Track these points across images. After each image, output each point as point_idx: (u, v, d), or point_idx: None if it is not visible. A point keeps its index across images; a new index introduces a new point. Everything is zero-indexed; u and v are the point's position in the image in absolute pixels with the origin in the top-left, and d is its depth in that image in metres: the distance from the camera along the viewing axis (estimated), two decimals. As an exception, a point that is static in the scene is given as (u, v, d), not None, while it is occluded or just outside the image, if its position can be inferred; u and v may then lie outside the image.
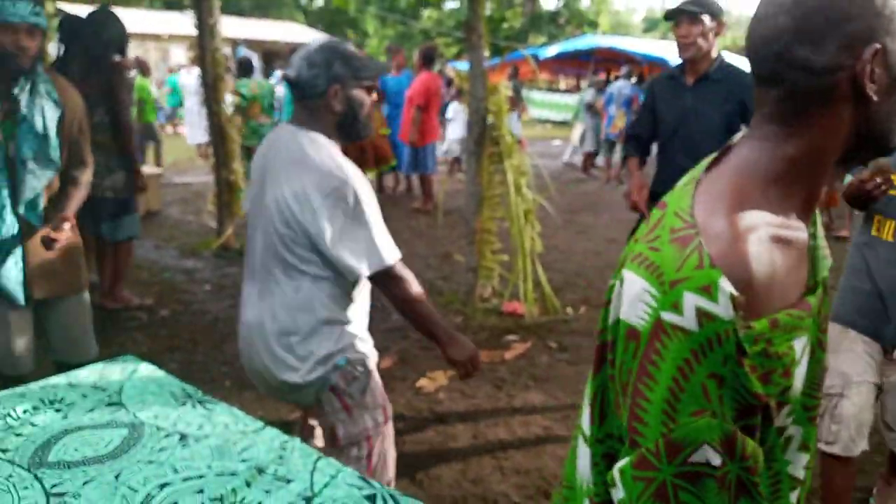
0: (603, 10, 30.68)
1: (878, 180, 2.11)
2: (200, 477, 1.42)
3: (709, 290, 0.71)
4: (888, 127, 0.81)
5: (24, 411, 1.68)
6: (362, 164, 7.90)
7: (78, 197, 2.63)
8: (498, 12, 25.12)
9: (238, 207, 5.89)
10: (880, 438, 2.43)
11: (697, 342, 0.71)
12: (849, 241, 2.54)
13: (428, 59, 7.80)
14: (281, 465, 1.47)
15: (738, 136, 0.88)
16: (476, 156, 4.52)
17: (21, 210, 2.44)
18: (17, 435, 1.57)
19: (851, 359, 2.21)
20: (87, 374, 1.90)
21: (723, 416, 0.72)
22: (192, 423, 1.64)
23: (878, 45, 0.76)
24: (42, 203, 2.50)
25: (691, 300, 0.72)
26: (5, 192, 2.40)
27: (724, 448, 0.72)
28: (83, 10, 4.27)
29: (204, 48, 5.63)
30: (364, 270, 1.84)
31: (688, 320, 0.72)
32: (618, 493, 0.78)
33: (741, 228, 0.75)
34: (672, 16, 2.92)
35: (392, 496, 1.37)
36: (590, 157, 11.27)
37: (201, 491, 1.37)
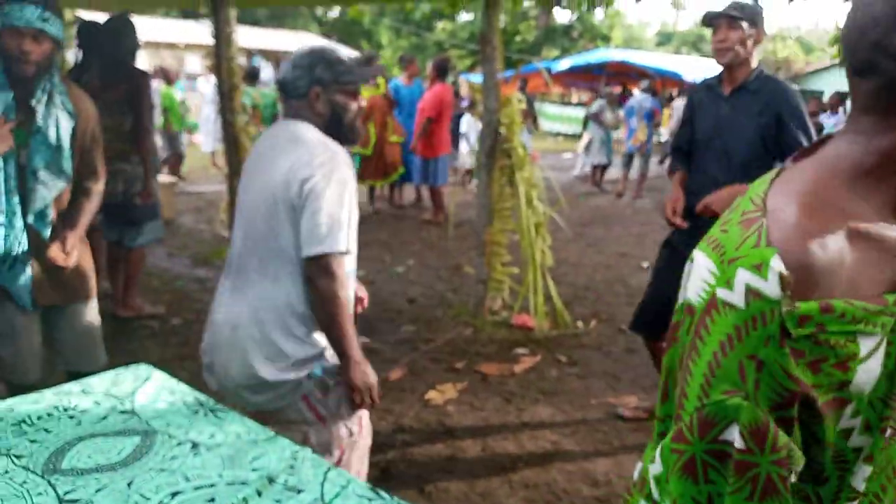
0: (616, 24, 30.77)
1: None
2: (211, 486, 1.43)
3: (760, 268, 0.71)
4: None
5: (39, 418, 1.70)
6: (369, 173, 7.94)
7: (90, 209, 2.63)
8: (512, 25, 25.23)
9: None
10: None
11: (742, 319, 0.71)
12: None
13: (441, 71, 7.83)
14: (292, 475, 1.48)
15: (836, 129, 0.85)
16: (487, 168, 4.53)
17: (30, 219, 2.45)
18: (32, 441, 1.59)
19: None
20: (99, 382, 1.91)
21: (756, 401, 0.71)
22: (203, 432, 1.65)
23: None
24: (51, 213, 2.50)
25: (743, 277, 0.71)
26: (15, 199, 2.40)
27: (751, 435, 0.71)
28: (101, 18, 4.33)
29: (220, 57, 5.68)
30: (302, 250, 1.84)
31: (737, 296, 0.72)
32: (655, 468, 0.78)
33: (809, 214, 0.73)
34: (710, 20, 2.83)
35: (401, 509, 1.38)
36: (597, 170, 11.25)
37: (212, 500, 1.38)
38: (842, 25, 0.81)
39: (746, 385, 0.71)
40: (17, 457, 1.52)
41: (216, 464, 1.52)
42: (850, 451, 0.79)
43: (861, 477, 0.83)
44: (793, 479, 0.73)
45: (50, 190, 2.46)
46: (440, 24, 28.94)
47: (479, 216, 4.68)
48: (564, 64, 18.91)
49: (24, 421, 1.68)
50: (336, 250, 1.83)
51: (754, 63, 2.85)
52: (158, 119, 8.76)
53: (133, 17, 4.38)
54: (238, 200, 2.07)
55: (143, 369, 2.00)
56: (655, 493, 0.81)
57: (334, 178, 1.85)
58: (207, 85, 10.57)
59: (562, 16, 30.52)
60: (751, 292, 0.71)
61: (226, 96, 5.73)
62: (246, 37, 8.99)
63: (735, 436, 0.71)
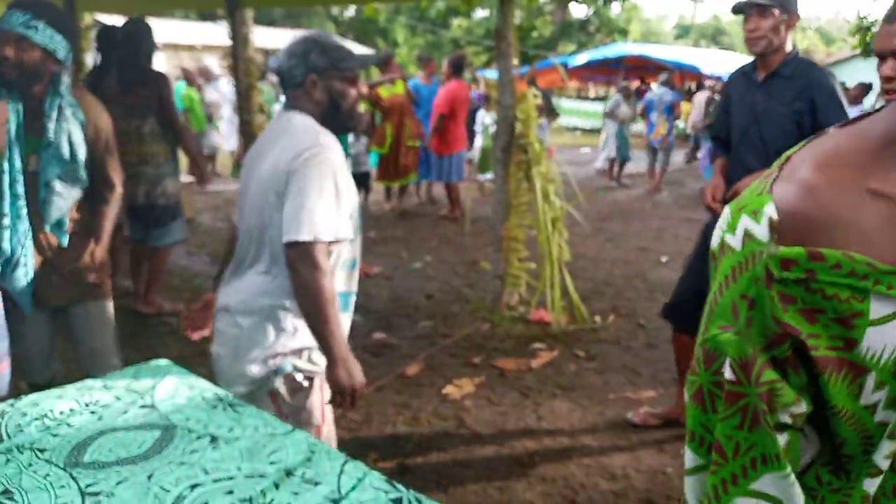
0: (633, 18, 30.54)
1: None
2: (230, 478, 1.45)
3: (756, 213, 0.73)
4: None
5: (61, 412, 1.72)
6: (383, 173, 7.93)
7: (111, 215, 2.66)
8: (528, 21, 25.15)
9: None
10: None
11: (737, 260, 0.74)
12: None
13: (457, 68, 7.83)
14: (309, 468, 1.49)
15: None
16: (503, 163, 4.53)
17: (48, 228, 2.48)
18: (54, 435, 1.61)
19: None
20: (120, 377, 1.94)
21: (747, 336, 0.73)
22: (222, 426, 1.67)
23: None
24: (68, 222, 2.54)
25: (743, 222, 0.74)
26: (20, 202, 2.40)
27: (740, 368, 0.73)
28: (119, 21, 4.38)
29: (237, 58, 5.74)
30: (283, 235, 1.77)
31: (736, 239, 0.74)
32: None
33: (821, 170, 0.74)
34: (741, 9, 2.76)
35: (419, 500, 1.38)
36: (613, 164, 11.20)
37: (231, 492, 1.40)
38: (863, 14, 0.80)
39: (738, 322, 0.73)
40: (41, 451, 1.55)
41: (235, 457, 1.53)
42: (875, 427, 0.77)
43: (882, 452, 0.81)
44: (787, 420, 0.73)
45: (66, 200, 2.48)
46: (456, 21, 28.92)
47: (495, 212, 4.67)
48: (581, 58, 18.82)
49: (46, 416, 1.71)
50: (317, 237, 1.74)
51: (788, 47, 2.77)
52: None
53: (151, 19, 4.43)
54: (239, 194, 2.08)
55: (162, 365, 2.03)
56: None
57: (317, 163, 1.79)
58: (228, 85, 10.65)
59: (578, 10, 30.32)
60: (746, 235, 0.73)
61: (243, 96, 5.80)
62: (263, 37, 9.04)
63: (727, 367, 0.74)
